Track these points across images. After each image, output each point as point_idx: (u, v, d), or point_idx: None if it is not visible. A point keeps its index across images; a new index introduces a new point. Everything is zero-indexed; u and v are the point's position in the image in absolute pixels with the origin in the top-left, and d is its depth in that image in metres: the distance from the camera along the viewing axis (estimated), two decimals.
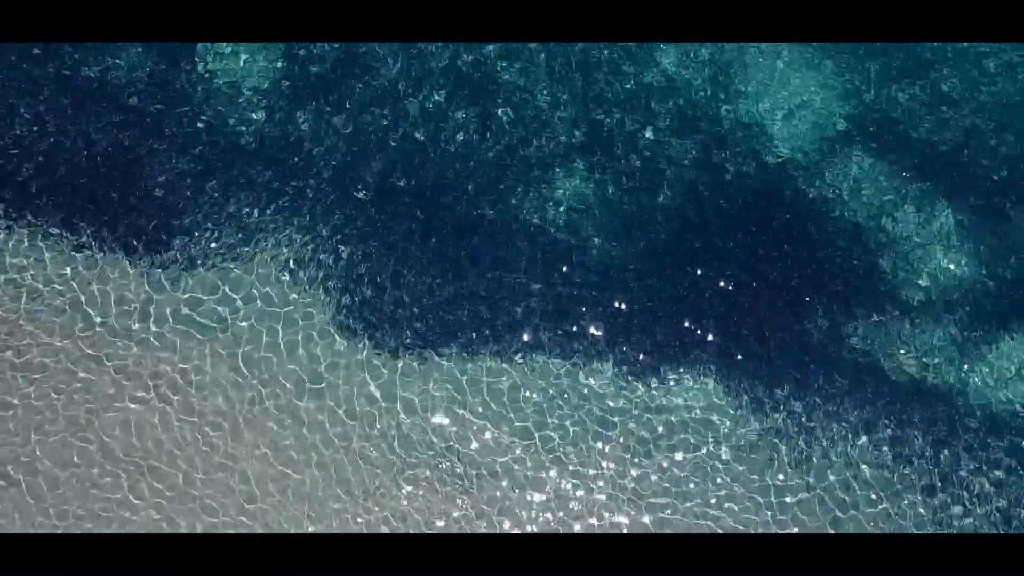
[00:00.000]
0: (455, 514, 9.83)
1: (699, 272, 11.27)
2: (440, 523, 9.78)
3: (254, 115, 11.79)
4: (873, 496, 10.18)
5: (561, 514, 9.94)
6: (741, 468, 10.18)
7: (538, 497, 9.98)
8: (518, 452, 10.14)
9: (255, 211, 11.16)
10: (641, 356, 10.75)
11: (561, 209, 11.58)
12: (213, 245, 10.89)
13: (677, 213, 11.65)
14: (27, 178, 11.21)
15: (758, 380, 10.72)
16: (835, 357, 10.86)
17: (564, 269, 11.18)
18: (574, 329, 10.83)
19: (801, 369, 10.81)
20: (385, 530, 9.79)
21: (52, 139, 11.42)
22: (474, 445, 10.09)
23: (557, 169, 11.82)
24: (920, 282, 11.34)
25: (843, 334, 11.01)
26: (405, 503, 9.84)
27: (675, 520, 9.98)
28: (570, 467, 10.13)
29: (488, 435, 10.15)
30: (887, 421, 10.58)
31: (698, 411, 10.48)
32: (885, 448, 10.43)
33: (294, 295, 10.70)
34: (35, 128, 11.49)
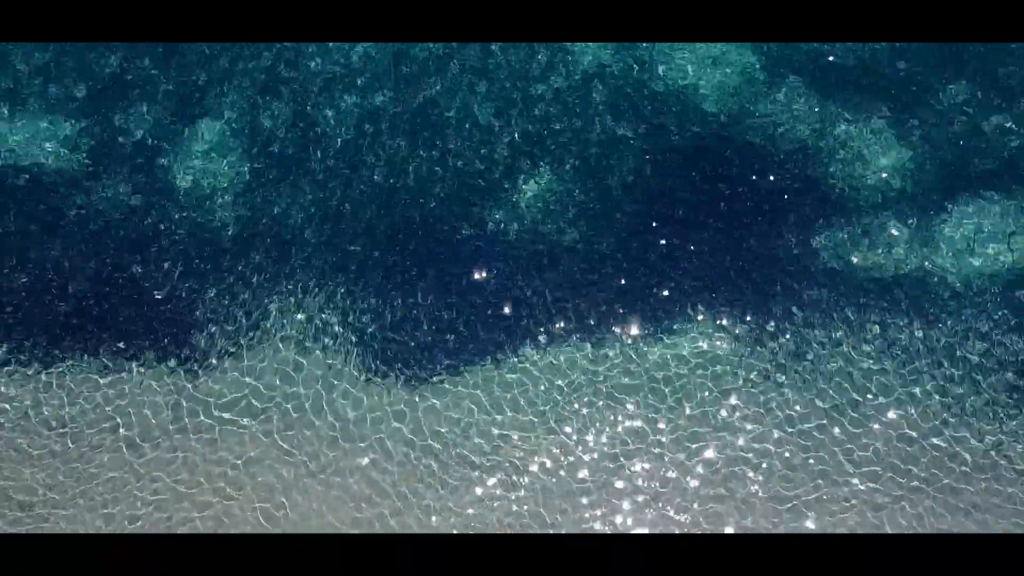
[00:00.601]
0: (523, 519, 10.55)
1: (668, 234, 12.11)
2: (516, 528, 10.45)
3: (230, 211, 12.39)
4: (873, 393, 11.08)
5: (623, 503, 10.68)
6: (752, 394, 11.06)
7: (593, 481, 10.74)
8: (562, 447, 10.90)
9: (254, 296, 11.75)
10: (641, 325, 11.55)
11: (531, 212, 12.33)
12: (225, 339, 11.46)
13: (635, 186, 12.43)
14: (46, 322, 11.73)
15: (748, 311, 11.58)
16: (810, 269, 11.78)
17: (548, 266, 11.94)
18: (576, 319, 11.60)
19: (783, 288, 11.71)
20: None
21: (54, 281, 11.99)
22: (519, 452, 10.83)
23: (518, 176, 12.56)
24: (867, 182, 12.26)
25: (812, 246, 11.94)
26: (475, 524, 10.49)
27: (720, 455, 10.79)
28: (614, 445, 10.90)
29: (532, 436, 10.90)
30: (871, 316, 11.50)
31: (702, 357, 11.31)
32: (876, 341, 11.36)
33: (313, 366, 11.32)
34: (37, 273, 12.04)
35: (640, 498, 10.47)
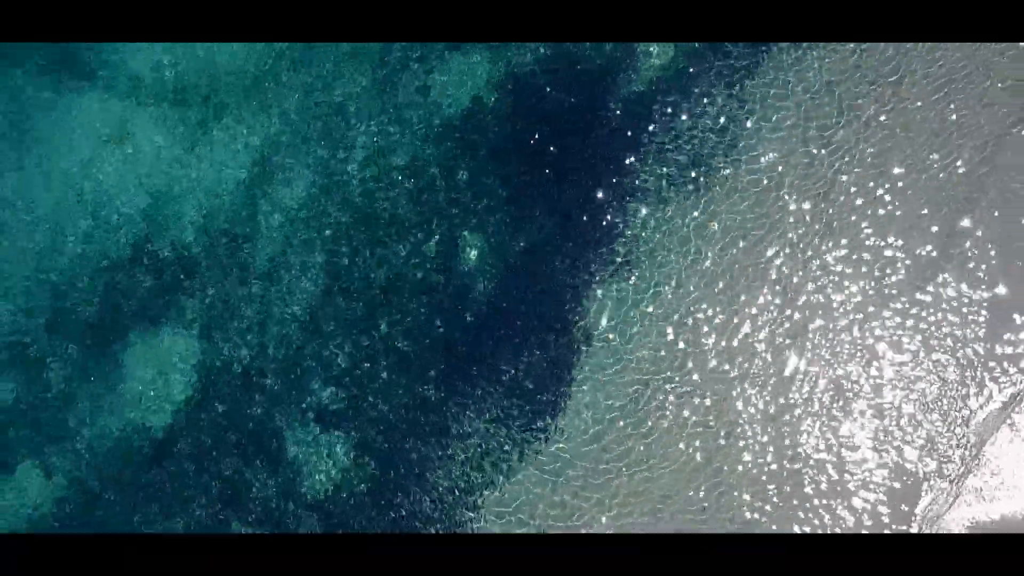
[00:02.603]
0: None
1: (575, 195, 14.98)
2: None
3: (365, 471, 15.11)
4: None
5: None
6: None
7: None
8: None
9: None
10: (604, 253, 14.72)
11: (488, 262, 15.08)
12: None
13: (527, 182, 15.09)
14: None
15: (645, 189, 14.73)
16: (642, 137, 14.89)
17: (534, 276, 14.88)
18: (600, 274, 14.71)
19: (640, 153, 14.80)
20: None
21: None
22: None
23: (454, 258, 15.23)
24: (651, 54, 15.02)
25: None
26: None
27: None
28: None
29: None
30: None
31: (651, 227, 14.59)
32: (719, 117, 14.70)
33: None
34: None
35: None
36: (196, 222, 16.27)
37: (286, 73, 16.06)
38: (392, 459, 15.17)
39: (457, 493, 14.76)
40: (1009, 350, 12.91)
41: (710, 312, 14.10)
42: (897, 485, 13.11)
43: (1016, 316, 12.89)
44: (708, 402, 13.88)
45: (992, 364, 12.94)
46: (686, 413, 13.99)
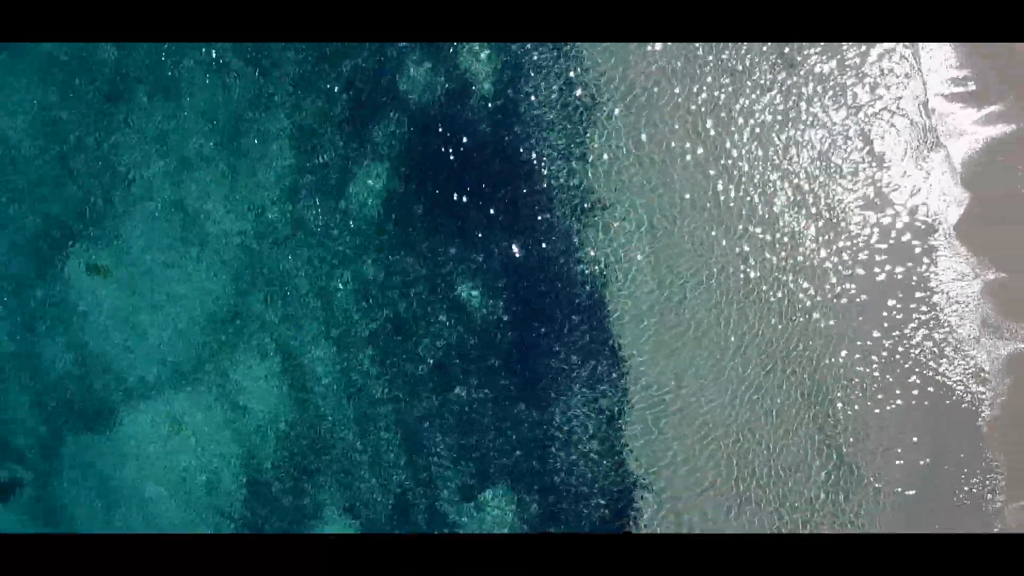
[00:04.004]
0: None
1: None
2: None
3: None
4: None
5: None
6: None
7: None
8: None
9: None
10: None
11: (477, 296, 16.34)
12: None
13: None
14: None
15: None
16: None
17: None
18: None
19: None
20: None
21: None
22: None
23: (457, 287, 16.35)
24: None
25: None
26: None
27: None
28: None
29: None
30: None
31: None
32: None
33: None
34: None
35: None
36: (275, 436, 17.64)
37: (258, 294, 17.24)
38: (545, 483, 16.51)
39: (616, 472, 16.14)
40: None
41: (687, 196, 15.24)
42: None
43: None
44: (730, 265, 15.15)
45: None
46: (727, 285, 15.29)
